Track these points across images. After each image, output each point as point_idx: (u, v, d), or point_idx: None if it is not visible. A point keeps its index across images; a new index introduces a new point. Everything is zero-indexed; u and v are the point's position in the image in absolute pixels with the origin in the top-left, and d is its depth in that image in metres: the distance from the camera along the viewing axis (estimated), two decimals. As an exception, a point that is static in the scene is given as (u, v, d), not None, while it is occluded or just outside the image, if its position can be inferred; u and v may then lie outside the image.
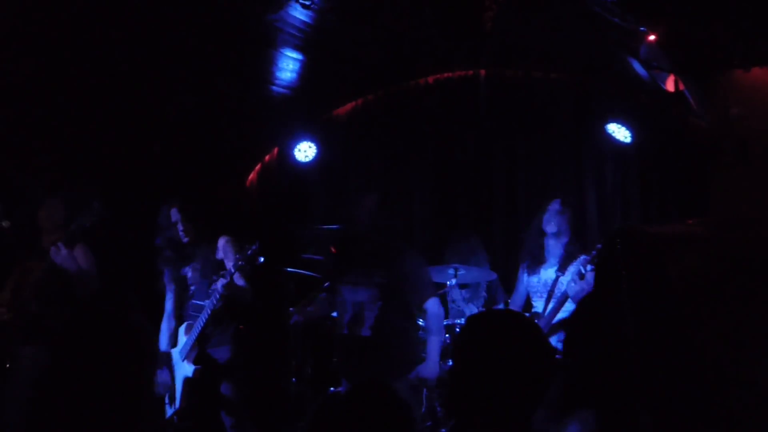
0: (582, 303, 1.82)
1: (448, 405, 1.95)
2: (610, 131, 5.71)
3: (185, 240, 4.62)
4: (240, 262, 4.25)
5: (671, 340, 1.50)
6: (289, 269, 5.51)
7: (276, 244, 6.40)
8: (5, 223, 4.51)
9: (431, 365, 4.33)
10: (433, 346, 4.38)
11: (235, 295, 4.35)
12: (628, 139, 5.67)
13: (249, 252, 4.24)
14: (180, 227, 4.59)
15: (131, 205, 5.60)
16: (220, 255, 4.58)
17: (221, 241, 4.61)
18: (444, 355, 4.75)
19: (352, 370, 4.32)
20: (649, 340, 1.50)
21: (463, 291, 5.55)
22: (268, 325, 5.61)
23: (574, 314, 3.78)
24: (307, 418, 5.01)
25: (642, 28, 3.55)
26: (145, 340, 1.94)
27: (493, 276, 5.35)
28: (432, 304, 4.38)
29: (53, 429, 1.87)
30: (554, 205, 4.78)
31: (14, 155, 5.21)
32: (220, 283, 4.26)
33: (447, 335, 4.90)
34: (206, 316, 4.36)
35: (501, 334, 1.85)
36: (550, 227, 4.72)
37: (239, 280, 4.39)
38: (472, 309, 5.53)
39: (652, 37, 3.56)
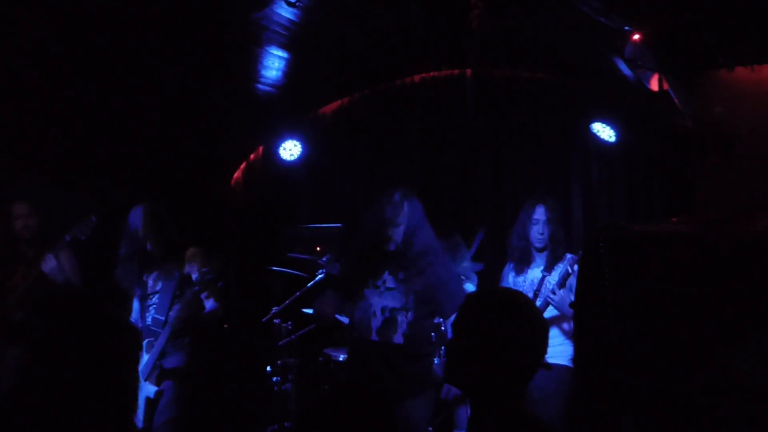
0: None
1: (449, 378, 1.99)
2: (595, 131, 5.74)
3: (149, 248, 4.42)
4: (195, 288, 4.15)
5: (656, 339, 1.50)
6: (274, 268, 5.49)
7: (261, 243, 6.40)
8: None
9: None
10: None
11: (197, 318, 4.25)
12: (613, 139, 5.70)
13: (207, 276, 4.10)
14: (141, 234, 4.39)
15: (114, 204, 5.56)
16: (186, 268, 4.39)
17: (188, 254, 4.42)
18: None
19: (383, 378, 4.02)
20: (634, 339, 1.49)
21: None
22: (252, 325, 5.58)
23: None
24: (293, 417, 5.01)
25: (627, 28, 3.55)
26: (131, 340, 1.92)
27: (479, 267, 5.32)
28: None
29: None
30: (540, 215, 4.70)
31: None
32: (174, 309, 4.20)
33: (433, 333, 4.90)
34: (165, 338, 4.22)
35: (500, 308, 1.92)
36: (539, 242, 4.69)
37: (207, 302, 4.30)
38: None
39: (636, 37, 3.57)
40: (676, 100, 4.29)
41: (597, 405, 1.56)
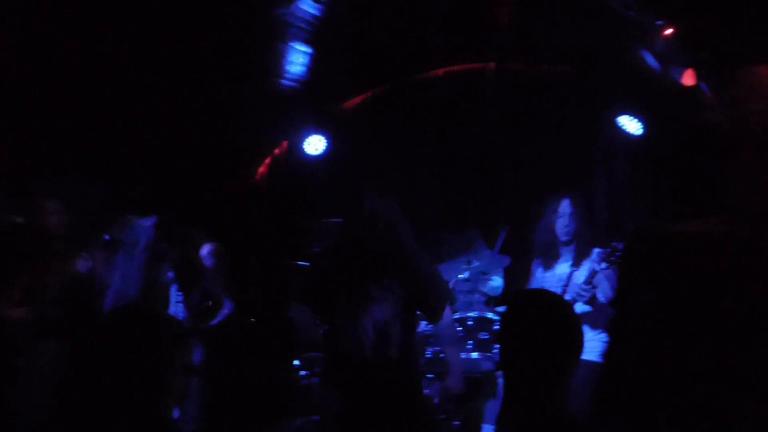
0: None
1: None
2: (620, 123, 5.70)
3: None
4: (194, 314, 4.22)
5: (700, 339, 1.50)
6: (300, 263, 5.52)
7: (286, 237, 6.43)
8: (19, 219, 4.51)
9: (457, 377, 3.82)
10: (454, 357, 3.92)
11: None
12: (640, 132, 5.66)
13: (206, 304, 4.18)
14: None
15: (139, 200, 5.61)
16: (206, 262, 4.40)
17: (205, 250, 4.44)
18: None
19: (378, 399, 3.57)
20: (678, 343, 1.50)
21: (467, 284, 5.55)
22: (280, 319, 5.61)
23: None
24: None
25: (658, 22, 3.53)
26: (171, 336, 1.95)
27: (507, 261, 5.31)
28: (447, 313, 3.81)
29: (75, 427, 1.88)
30: (565, 208, 4.67)
31: (24, 151, 5.21)
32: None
33: (460, 328, 4.92)
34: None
35: (547, 308, 2.02)
36: (565, 235, 4.66)
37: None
38: (479, 299, 5.54)
39: (668, 31, 3.54)
40: (708, 96, 4.25)
41: (633, 404, 1.56)
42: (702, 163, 5.48)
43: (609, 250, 4.29)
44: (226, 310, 4.36)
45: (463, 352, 4.86)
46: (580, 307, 4.48)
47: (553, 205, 4.75)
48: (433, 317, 3.80)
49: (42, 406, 3.67)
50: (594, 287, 4.36)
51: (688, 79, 3.81)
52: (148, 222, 4.48)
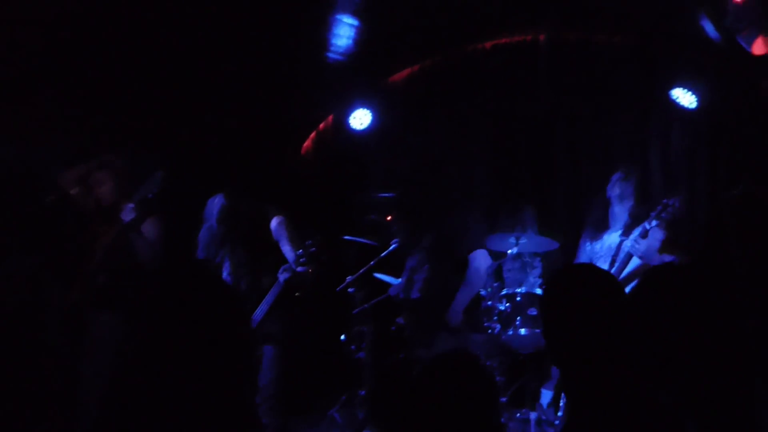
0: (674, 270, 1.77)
1: (552, 359, 1.95)
2: (674, 97, 5.54)
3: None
4: (302, 260, 4.25)
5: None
6: (347, 237, 5.51)
7: (333, 212, 6.42)
8: (74, 191, 4.56)
9: (451, 312, 4.36)
10: (461, 295, 4.40)
11: (298, 282, 4.37)
12: (694, 105, 5.50)
13: (311, 249, 4.23)
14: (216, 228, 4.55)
15: (189, 177, 5.64)
16: (274, 236, 4.51)
17: (274, 222, 4.51)
18: (506, 323, 4.75)
19: (409, 330, 4.43)
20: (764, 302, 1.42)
21: (516, 261, 5.50)
22: (327, 294, 5.62)
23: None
24: (370, 384, 5.06)
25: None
26: (243, 319, 1.89)
27: (555, 245, 5.25)
28: (475, 256, 4.36)
29: (135, 401, 1.84)
30: (617, 176, 4.79)
31: (86, 129, 5.26)
32: (282, 278, 4.29)
33: (508, 304, 4.86)
34: (268, 305, 4.35)
35: (587, 287, 1.91)
36: (613, 191, 4.75)
37: (301, 268, 4.40)
38: (528, 279, 5.48)
39: (738, -1, 3.40)
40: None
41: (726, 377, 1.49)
42: (759, 134, 5.33)
43: (660, 206, 4.25)
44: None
45: (511, 328, 4.84)
46: (631, 266, 4.43)
47: (607, 176, 4.78)
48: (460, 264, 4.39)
49: (102, 377, 3.72)
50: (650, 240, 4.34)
51: (759, 47, 3.66)
52: (216, 199, 4.55)
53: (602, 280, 1.96)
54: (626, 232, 4.58)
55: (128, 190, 4.54)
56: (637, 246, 4.36)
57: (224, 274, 4.54)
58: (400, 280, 4.81)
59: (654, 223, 4.30)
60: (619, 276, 4.44)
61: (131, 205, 4.44)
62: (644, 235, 4.35)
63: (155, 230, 4.56)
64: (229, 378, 1.68)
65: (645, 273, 1.89)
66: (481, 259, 4.44)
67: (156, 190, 4.49)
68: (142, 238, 4.47)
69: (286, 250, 4.38)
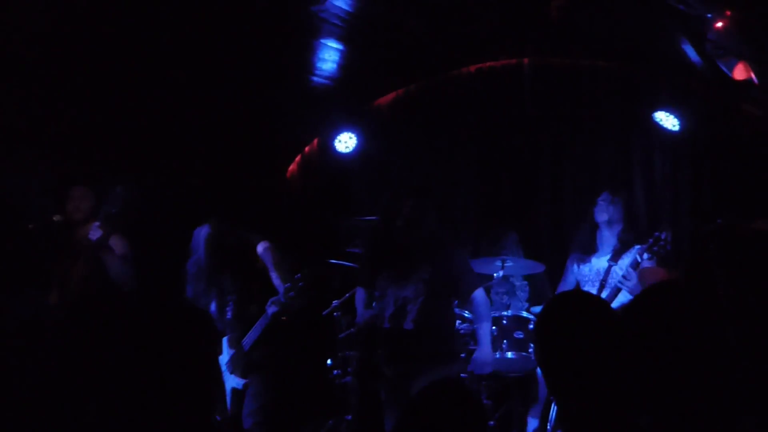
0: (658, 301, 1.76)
1: (549, 389, 1.93)
2: (657, 119, 5.59)
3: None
4: (290, 293, 4.26)
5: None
6: (332, 261, 5.48)
7: (318, 235, 6.40)
8: (57, 218, 4.53)
9: (486, 351, 4.34)
10: (485, 332, 4.38)
11: (287, 310, 4.37)
12: (677, 128, 5.55)
13: (300, 284, 4.25)
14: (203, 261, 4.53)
15: (172, 199, 5.61)
16: (262, 260, 4.50)
17: (260, 248, 4.51)
18: (492, 346, 4.73)
19: (395, 361, 4.29)
20: (750, 338, 1.42)
21: (503, 285, 5.49)
22: (312, 318, 5.57)
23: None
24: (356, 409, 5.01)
25: (708, 15, 3.44)
26: (208, 330, 1.91)
27: (541, 268, 5.26)
28: (479, 294, 4.38)
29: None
30: (604, 196, 4.81)
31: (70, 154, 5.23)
32: (270, 311, 4.31)
33: (494, 327, 4.85)
34: (256, 336, 4.36)
35: (582, 315, 1.88)
36: (601, 216, 4.78)
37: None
38: (515, 303, 5.47)
39: (719, 24, 3.44)
40: (756, 88, 4.14)
41: (710, 404, 1.49)
42: (741, 157, 5.38)
43: (651, 240, 4.24)
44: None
45: (497, 351, 4.82)
46: (619, 300, 4.41)
47: (594, 199, 4.81)
48: (463, 300, 4.51)
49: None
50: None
51: (740, 72, 3.71)
52: (203, 230, 4.55)
53: (597, 307, 1.94)
54: (615, 257, 4.60)
55: (89, 208, 4.55)
56: (627, 282, 4.34)
57: (212, 305, 4.51)
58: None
59: (646, 256, 4.29)
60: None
61: (97, 223, 4.42)
62: (635, 266, 4.32)
63: (123, 246, 4.54)
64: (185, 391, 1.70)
65: (636, 296, 1.88)
66: (485, 296, 4.47)
67: (119, 205, 4.49)
68: (112, 254, 4.46)
69: (274, 276, 4.38)
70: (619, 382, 1.80)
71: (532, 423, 4.91)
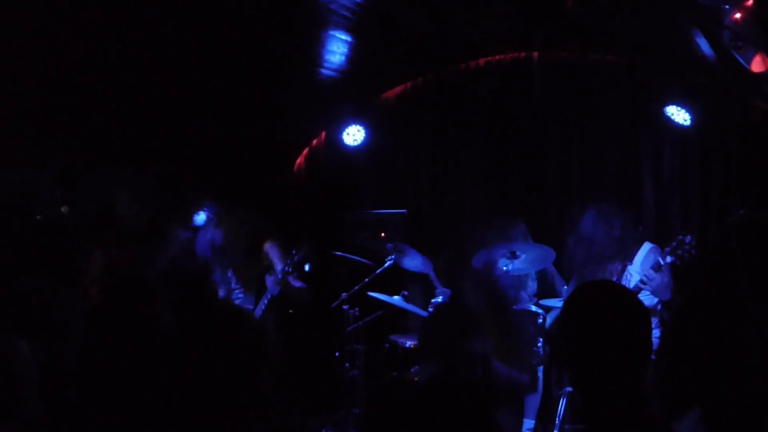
0: (687, 297, 1.75)
1: (571, 381, 1.92)
2: (668, 114, 5.55)
3: (219, 244, 4.59)
4: (287, 268, 4.25)
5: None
6: (339, 254, 5.46)
7: (325, 228, 6.38)
8: (64, 209, 4.54)
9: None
10: None
11: (291, 296, 4.39)
12: (688, 122, 5.50)
13: (296, 258, 4.26)
14: (214, 232, 4.60)
15: (180, 193, 5.60)
16: (268, 256, 4.57)
17: (266, 247, 4.57)
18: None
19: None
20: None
21: (511, 279, 5.46)
22: (320, 311, 5.56)
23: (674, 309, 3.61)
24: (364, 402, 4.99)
25: (726, 6, 3.39)
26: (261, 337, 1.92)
27: (552, 254, 5.19)
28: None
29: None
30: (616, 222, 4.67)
31: (79, 145, 5.22)
32: (270, 283, 4.32)
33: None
34: (260, 312, 4.40)
35: (609, 305, 1.86)
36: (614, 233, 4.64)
37: (295, 282, 4.42)
38: (523, 296, 5.44)
39: (738, 15, 3.40)
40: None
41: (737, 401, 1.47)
42: (752, 152, 5.33)
43: (675, 243, 4.15)
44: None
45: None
46: (646, 298, 4.36)
47: (599, 194, 4.74)
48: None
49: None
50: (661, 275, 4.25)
51: (758, 64, 3.66)
52: (210, 229, 4.61)
53: (624, 297, 1.92)
54: (628, 258, 4.54)
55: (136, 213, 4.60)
56: (649, 280, 4.24)
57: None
58: (396, 298, 4.75)
59: (669, 259, 4.18)
60: None
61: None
62: (657, 268, 4.23)
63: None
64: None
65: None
66: None
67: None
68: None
69: (279, 270, 4.42)
70: (643, 373, 1.78)
71: (528, 423, 4.89)
